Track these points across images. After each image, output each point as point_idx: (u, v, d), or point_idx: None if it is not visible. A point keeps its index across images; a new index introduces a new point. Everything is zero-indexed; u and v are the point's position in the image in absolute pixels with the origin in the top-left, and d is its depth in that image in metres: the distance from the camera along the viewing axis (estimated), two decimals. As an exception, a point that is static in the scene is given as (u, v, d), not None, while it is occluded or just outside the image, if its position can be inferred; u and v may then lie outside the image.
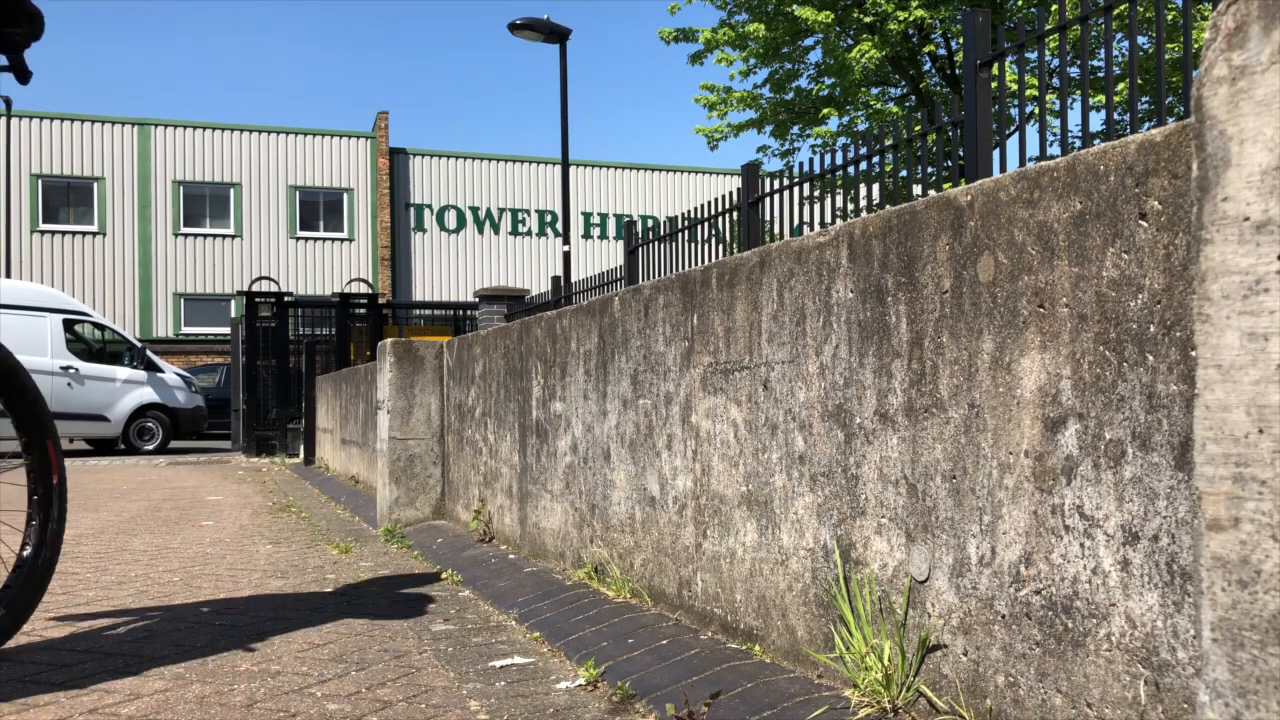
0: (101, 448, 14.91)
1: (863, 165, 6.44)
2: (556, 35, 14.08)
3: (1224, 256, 0.93)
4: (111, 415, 14.37)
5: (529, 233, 32.27)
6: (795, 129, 16.98)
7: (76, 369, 14.03)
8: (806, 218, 8.71)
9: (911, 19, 14.27)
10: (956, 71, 14.97)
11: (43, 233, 27.97)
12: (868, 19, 14.77)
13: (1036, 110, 5.21)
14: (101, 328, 15.21)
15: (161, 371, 15.05)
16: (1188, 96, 2.08)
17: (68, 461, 12.55)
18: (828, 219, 7.17)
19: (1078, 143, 13.59)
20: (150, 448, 14.60)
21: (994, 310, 1.56)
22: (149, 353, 15.31)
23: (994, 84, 5.53)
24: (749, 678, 1.98)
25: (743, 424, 2.27)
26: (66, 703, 2.10)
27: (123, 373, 14.58)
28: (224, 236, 29.22)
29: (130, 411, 14.51)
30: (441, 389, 5.09)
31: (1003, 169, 5.98)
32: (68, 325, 14.32)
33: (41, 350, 13.81)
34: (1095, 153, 1.38)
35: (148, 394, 14.68)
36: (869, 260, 1.86)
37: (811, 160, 6.89)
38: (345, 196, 30.21)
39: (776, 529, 2.13)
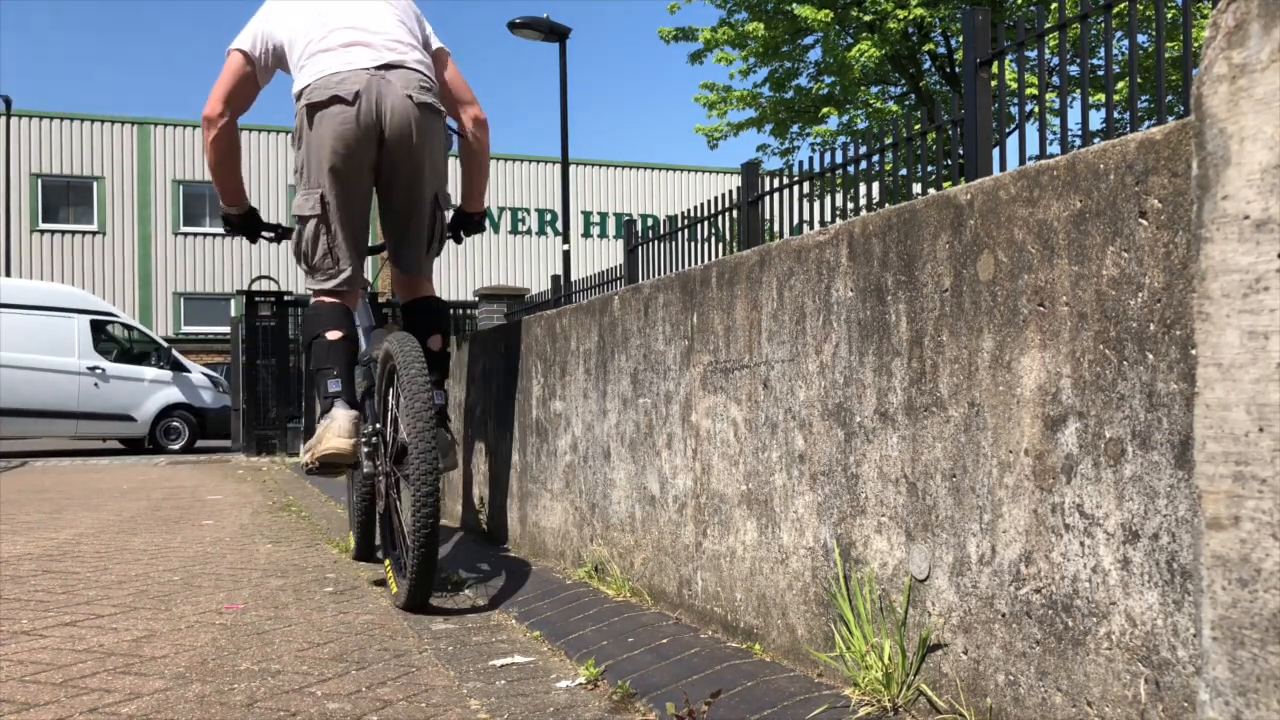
0: (131, 447, 15.00)
1: (862, 164, 6.44)
2: (556, 34, 14.09)
3: (1224, 255, 0.93)
4: (138, 415, 14.46)
5: (529, 232, 32.28)
6: (795, 128, 16.99)
7: (103, 369, 14.14)
8: (806, 216, 8.71)
9: (911, 17, 14.27)
10: (956, 70, 14.97)
11: (43, 232, 27.97)
12: (867, 18, 14.77)
13: (1036, 109, 5.21)
14: (129, 328, 15.33)
15: (188, 371, 15.12)
16: (1188, 95, 2.08)
17: (68, 461, 12.56)
18: (827, 218, 7.16)
19: (1078, 141, 13.58)
20: (177, 447, 14.67)
21: (994, 309, 1.56)
22: (175, 352, 15.37)
23: (994, 82, 5.53)
24: (749, 676, 1.98)
25: (743, 423, 2.27)
26: (67, 702, 2.10)
27: (149, 373, 14.66)
28: (224, 236, 29.22)
29: (157, 411, 14.59)
30: (441, 388, 5.09)
31: (1002, 167, 5.98)
32: (96, 326, 14.43)
33: (69, 351, 13.95)
34: (1095, 151, 1.38)
35: (174, 394, 14.75)
36: (869, 259, 1.86)
37: (811, 159, 6.89)
38: (345, 196, 30.20)
39: (776, 528, 2.13)
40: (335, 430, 3.13)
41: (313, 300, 3.42)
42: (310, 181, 3.28)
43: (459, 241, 3.83)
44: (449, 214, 3.62)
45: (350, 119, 3.20)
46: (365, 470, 3.34)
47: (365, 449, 3.31)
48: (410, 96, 3.26)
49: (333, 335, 3.29)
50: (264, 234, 3.72)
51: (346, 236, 3.31)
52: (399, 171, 3.32)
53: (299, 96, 3.31)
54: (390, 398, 3.26)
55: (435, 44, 3.60)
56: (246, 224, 3.68)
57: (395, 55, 3.32)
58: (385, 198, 3.41)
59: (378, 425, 3.35)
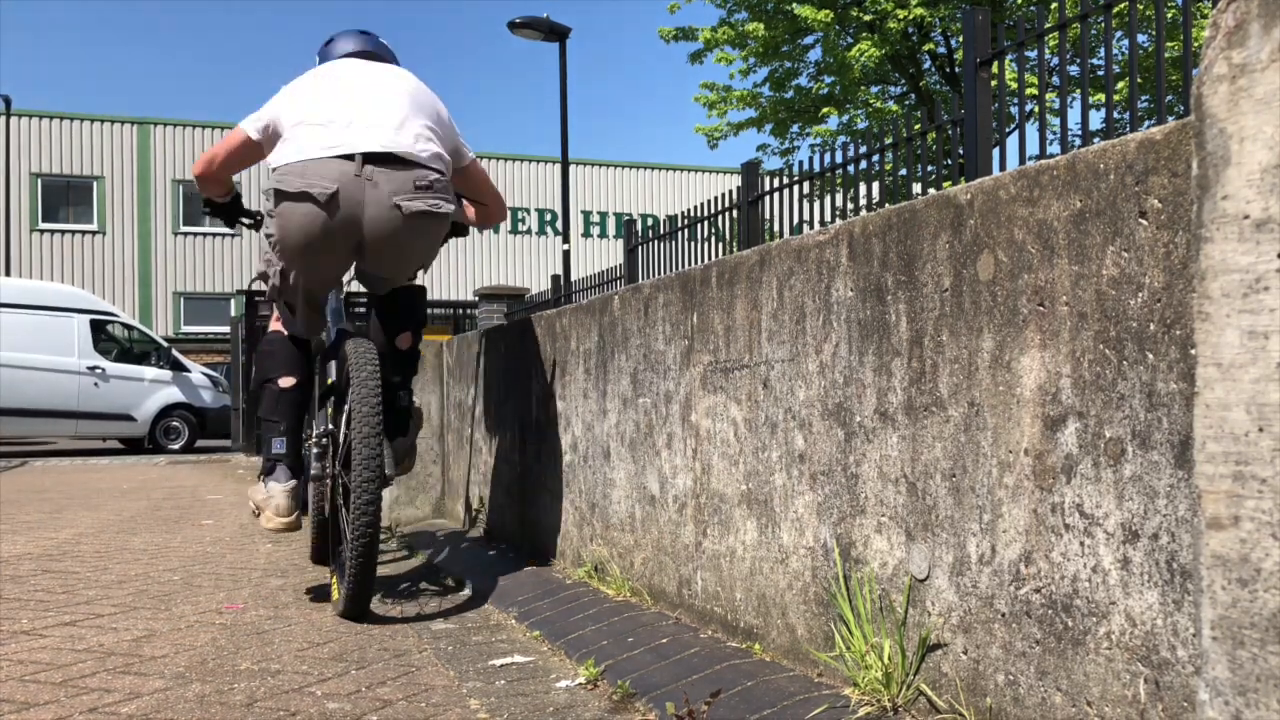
0: (131, 447, 15.02)
1: (862, 164, 6.44)
2: (556, 34, 14.07)
3: (1224, 255, 0.93)
4: (138, 415, 14.48)
5: (529, 231, 32.25)
6: (795, 127, 16.99)
7: (103, 369, 14.17)
8: (806, 216, 8.71)
9: (911, 17, 14.27)
10: (956, 70, 14.97)
11: (42, 232, 27.96)
12: (867, 17, 14.77)
13: (1036, 109, 5.21)
14: (129, 328, 15.34)
15: (188, 371, 15.13)
16: (1188, 95, 2.08)
17: (68, 461, 12.56)
18: (827, 217, 7.16)
19: (1078, 141, 13.59)
20: (176, 447, 14.68)
21: (994, 309, 1.56)
22: (175, 352, 15.37)
23: (994, 82, 5.53)
24: (749, 676, 1.98)
25: (742, 422, 2.27)
26: (67, 702, 2.10)
27: (149, 372, 14.69)
28: (223, 235, 29.22)
29: (157, 411, 14.61)
30: (441, 388, 5.09)
31: (1002, 167, 5.98)
32: (96, 326, 14.46)
33: (69, 350, 13.99)
34: (1095, 151, 1.38)
35: (174, 394, 14.77)
36: (869, 259, 1.86)
37: (811, 159, 6.88)
38: (345, 195, 30.15)
39: (776, 527, 2.13)
40: (274, 509, 3.06)
41: (270, 329, 3.32)
42: (280, 256, 3.09)
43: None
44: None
45: (319, 224, 2.92)
46: (314, 472, 3.22)
47: (315, 449, 3.22)
48: (399, 207, 2.93)
49: (285, 383, 3.15)
50: (243, 219, 3.47)
51: (309, 297, 3.19)
52: (381, 262, 3.11)
53: (272, 170, 3.03)
54: (347, 401, 3.07)
55: (468, 156, 3.37)
56: (229, 207, 3.42)
57: (387, 139, 2.96)
58: (362, 268, 3.21)
59: (329, 427, 3.25)
